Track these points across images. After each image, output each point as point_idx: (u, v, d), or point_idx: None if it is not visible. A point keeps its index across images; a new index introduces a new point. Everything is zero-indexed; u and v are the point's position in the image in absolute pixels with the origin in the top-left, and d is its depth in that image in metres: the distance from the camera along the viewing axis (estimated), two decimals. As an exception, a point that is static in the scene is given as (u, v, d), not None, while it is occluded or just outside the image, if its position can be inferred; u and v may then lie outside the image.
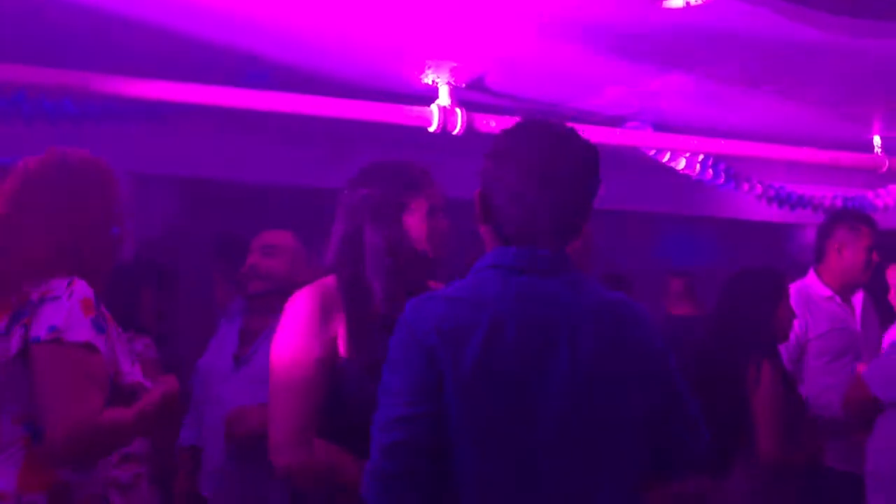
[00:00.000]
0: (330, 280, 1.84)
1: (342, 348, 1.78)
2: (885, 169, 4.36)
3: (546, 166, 1.51)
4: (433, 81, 3.42)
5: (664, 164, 4.14)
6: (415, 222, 1.86)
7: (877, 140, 4.32)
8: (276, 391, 1.76)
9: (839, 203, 4.77)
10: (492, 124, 3.57)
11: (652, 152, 4.10)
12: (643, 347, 1.49)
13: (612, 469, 1.43)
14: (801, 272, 3.49)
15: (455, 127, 3.46)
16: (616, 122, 3.96)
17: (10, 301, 1.71)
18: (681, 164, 4.15)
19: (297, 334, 1.77)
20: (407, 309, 1.47)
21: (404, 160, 1.94)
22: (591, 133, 3.76)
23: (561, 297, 1.47)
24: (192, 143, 3.88)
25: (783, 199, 4.59)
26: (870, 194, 4.88)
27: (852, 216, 3.53)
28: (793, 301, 2.92)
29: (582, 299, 1.48)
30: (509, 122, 3.55)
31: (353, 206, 1.86)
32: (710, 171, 4.20)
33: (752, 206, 4.75)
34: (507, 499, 1.38)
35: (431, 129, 3.46)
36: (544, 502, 1.39)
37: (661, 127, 4.02)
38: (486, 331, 1.40)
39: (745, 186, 4.43)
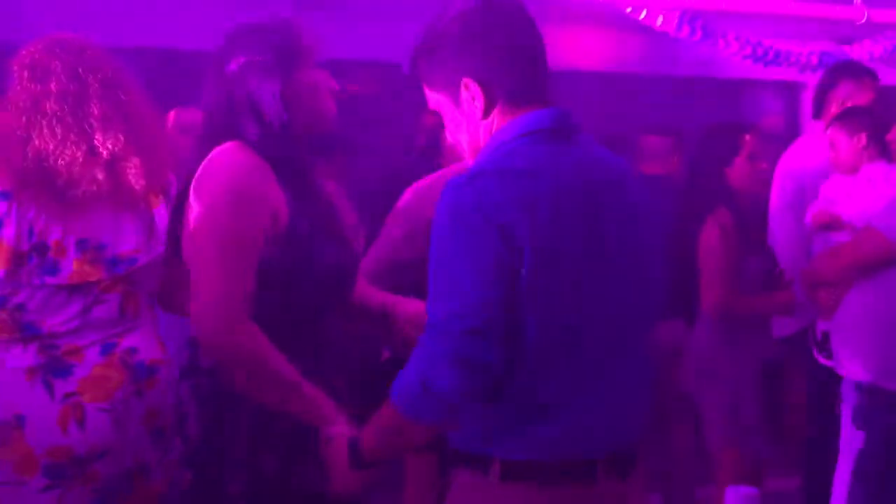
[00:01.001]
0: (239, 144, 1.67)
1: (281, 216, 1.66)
2: (863, 20, 4.29)
3: (530, 22, 1.50)
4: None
5: (641, 21, 4.04)
6: (306, 89, 1.72)
7: (856, -9, 4.23)
8: (210, 248, 1.58)
9: (815, 59, 4.71)
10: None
11: (628, 9, 3.99)
12: (651, 206, 1.56)
13: (649, 320, 1.55)
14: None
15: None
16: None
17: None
18: (658, 21, 4.06)
19: (245, 190, 1.60)
20: (455, 190, 1.37)
21: (278, 21, 1.76)
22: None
23: (600, 159, 1.50)
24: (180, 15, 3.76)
25: (760, 56, 4.52)
26: (846, 48, 4.82)
27: (856, 68, 3.45)
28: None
29: (611, 159, 1.52)
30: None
31: (235, 73, 1.69)
32: (687, 27, 4.11)
33: (729, 63, 4.68)
34: (581, 365, 1.41)
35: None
36: (615, 361, 1.44)
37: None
38: (551, 199, 1.37)
39: (722, 43, 4.35)
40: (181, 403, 1.76)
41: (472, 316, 1.31)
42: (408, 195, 2.43)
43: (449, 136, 1.61)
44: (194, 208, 1.62)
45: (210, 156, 1.64)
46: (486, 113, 1.47)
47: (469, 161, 1.54)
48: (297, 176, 1.70)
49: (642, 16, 4.04)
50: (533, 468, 1.39)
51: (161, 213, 1.85)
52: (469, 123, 1.50)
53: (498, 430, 1.40)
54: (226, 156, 1.63)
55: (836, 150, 3.09)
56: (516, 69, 1.47)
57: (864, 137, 3.05)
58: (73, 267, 1.76)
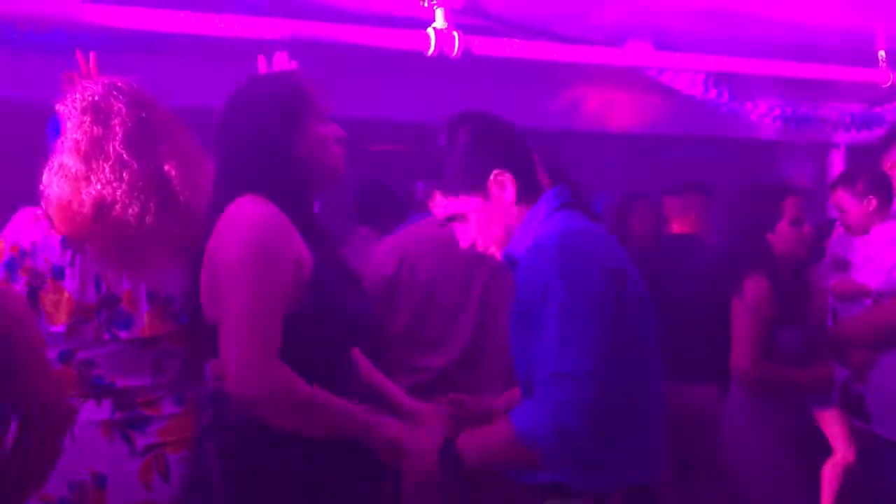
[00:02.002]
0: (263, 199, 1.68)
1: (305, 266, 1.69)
2: (889, 83, 4.29)
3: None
4: (429, 4, 3.35)
5: (666, 84, 4.08)
6: (316, 141, 1.73)
7: (881, 54, 4.24)
8: (239, 304, 1.57)
9: (847, 119, 4.71)
10: (489, 47, 3.52)
11: (654, 72, 4.03)
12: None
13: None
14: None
15: (452, 50, 3.41)
16: (616, 41, 3.88)
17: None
18: (683, 83, 4.09)
19: (270, 243, 1.60)
20: (569, 244, 1.57)
21: (286, 74, 1.81)
22: (591, 54, 3.72)
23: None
24: (186, 72, 3.83)
25: (788, 117, 4.54)
26: (875, 110, 4.82)
27: None
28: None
29: None
30: (507, 45, 3.54)
31: (246, 126, 1.69)
32: (714, 89, 4.14)
33: (755, 124, 4.69)
34: (646, 403, 1.63)
35: (429, 52, 3.40)
36: (657, 403, 1.67)
37: (662, 45, 3.95)
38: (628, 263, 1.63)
39: (749, 105, 4.37)
40: (203, 461, 1.68)
41: (602, 366, 1.49)
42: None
43: (476, 234, 1.72)
44: (220, 266, 1.60)
45: (228, 212, 1.63)
46: (520, 196, 1.67)
47: (500, 247, 1.71)
48: (312, 224, 1.72)
49: (667, 78, 4.08)
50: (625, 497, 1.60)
51: None
52: (502, 211, 1.68)
53: (595, 465, 1.57)
54: (245, 210, 1.62)
55: (845, 214, 3.10)
56: (526, 155, 1.72)
57: (873, 201, 3.06)
58: (145, 320, 1.73)
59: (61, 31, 3.13)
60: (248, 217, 1.61)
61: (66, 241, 1.71)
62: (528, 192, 1.69)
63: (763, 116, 4.51)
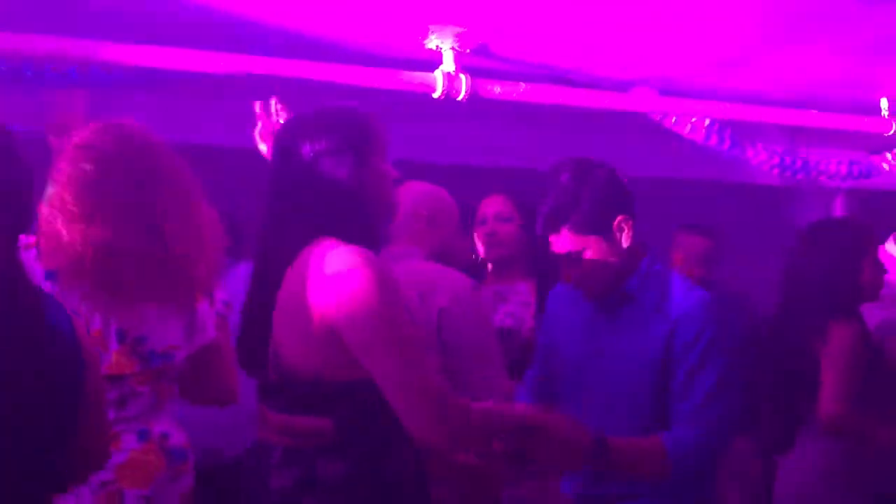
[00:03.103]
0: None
1: None
2: (890, 131, 4.33)
3: None
4: (437, 47, 3.39)
5: (670, 129, 4.11)
6: (380, 177, 1.72)
7: (884, 103, 4.29)
8: (398, 356, 1.54)
9: (844, 169, 4.75)
10: (496, 90, 3.55)
11: (658, 117, 4.07)
12: None
13: None
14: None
15: (459, 93, 3.44)
16: (622, 87, 3.92)
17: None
18: (686, 128, 4.12)
19: (384, 279, 1.57)
20: (720, 310, 1.91)
21: (347, 108, 1.77)
22: (597, 99, 3.76)
23: None
24: (193, 109, 3.85)
25: (789, 165, 4.57)
26: (876, 159, 4.85)
27: None
28: None
29: None
30: (515, 88, 3.57)
31: (310, 160, 1.64)
32: (716, 136, 4.17)
33: (757, 170, 4.72)
34: None
35: (436, 95, 3.43)
36: None
37: (667, 91, 3.99)
38: None
39: (751, 152, 4.40)
40: None
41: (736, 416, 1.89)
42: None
43: (597, 268, 1.91)
44: (355, 320, 1.52)
45: (319, 259, 1.55)
46: (630, 240, 1.92)
47: (606, 288, 1.95)
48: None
49: (672, 122, 4.11)
50: None
51: (203, 308, 1.86)
52: (616, 254, 1.90)
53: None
54: (350, 256, 1.55)
55: None
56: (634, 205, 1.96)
57: None
58: (112, 359, 1.74)
59: (73, 68, 3.16)
60: (359, 263, 1.54)
61: (49, 274, 1.71)
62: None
63: (763, 164, 4.53)
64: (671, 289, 1.93)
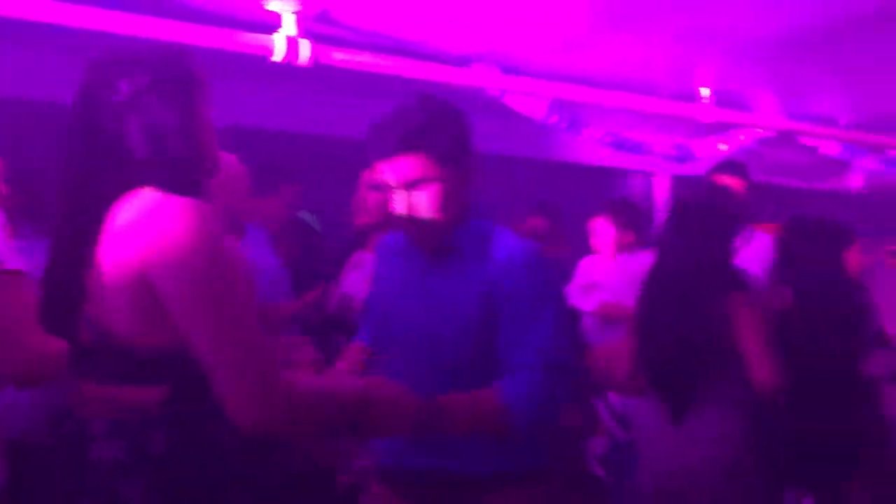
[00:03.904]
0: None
1: None
2: (710, 119, 4.61)
3: None
4: (277, 10, 3.29)
5: (511, 107, 4.20)
6: (207, 125, 1.55)
7: (705, 91, 4.56)
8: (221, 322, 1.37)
9: (668, 152, 5.03)
10: (338, 57, 3.49)
11: (499, 94, 4.14)
12: None
13: None
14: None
15: (301, 58, 3.36)
16: (463, 62, 3.96)
17: None
18: (526, 107, 4.22)
19: (216, 245, 1.40)
20: (539, 255, 1.86)
21: (168, 45, 1.59)
22: (437, 72, 3.77)
23: None
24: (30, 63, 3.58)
25: (620, 145, 4.78)
26: (693, 143, 5.17)
27: (734, 165, 3.74)
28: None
29: None
30: (357, 56, 3.53)
31: (127, 103, 1.45)
32: (556, 115, 4.30)
33: (588, 150, 4.91)
34: None
35: (275, 58, 3.33)
36: None
37: (508, 69, 4.06)
38: None
39: (586, 131, 4.57)
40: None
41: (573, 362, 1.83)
42: None
43: (434, 203, 1.82)
44: (165, 268, 1.36)
45: (143, 207, 1.39)
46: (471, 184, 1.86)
47: (438, 226, 1.83)
48: None
49: (511, 101, 4.19)
50: None
51: None
52: (458, 193, 1.84)
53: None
54: (169, 201, 1.38)
55: (601, 239, 3.27)
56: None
57: (631, 233, 3.33)
58: None
59: None
60: (185, 211, 1.36)
61: None
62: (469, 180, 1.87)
63: (597, 143, 4.72)
64: (497, 241, 1.86)
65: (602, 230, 3.43)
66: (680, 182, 5.46)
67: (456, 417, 1.65)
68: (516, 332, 1.79)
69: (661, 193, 5.54)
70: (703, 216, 2.70)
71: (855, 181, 6.04)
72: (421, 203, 1.81)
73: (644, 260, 3.32)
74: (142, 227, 1.37)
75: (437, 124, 1.80)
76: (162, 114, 1.43)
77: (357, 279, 3.73)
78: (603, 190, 5.58)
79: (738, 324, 2.55)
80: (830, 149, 5.45)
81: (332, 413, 1.50)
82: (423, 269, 1.92)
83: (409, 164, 1.79)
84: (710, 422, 2.56)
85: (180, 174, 1.44)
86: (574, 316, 3.31)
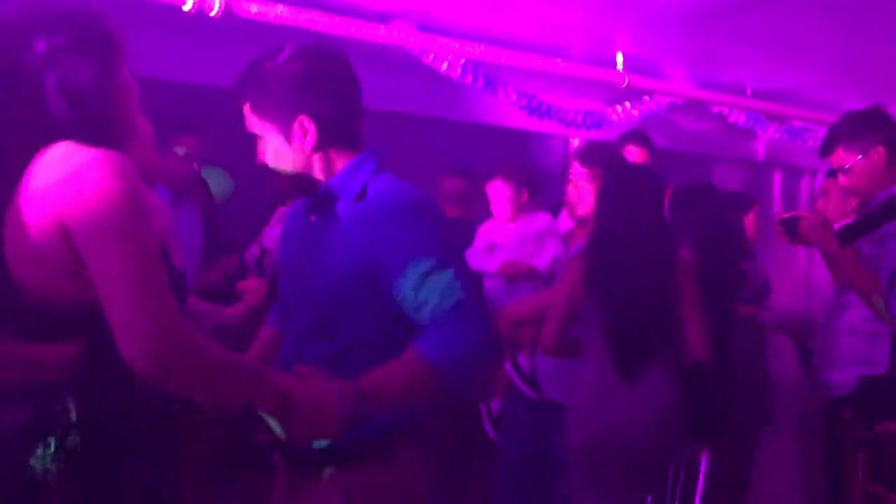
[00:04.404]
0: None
1: None
2: (623, 85, 4.69)
3: (354, 74, 1.80)
4: (189, -44, 3.18)
5: (428, 65, 4.17)
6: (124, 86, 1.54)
7: (619, 57, 4.63)
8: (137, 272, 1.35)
9: (580, 117, 5.10)
10: (252, 9, 3.40)
11: (417, 53, 4.10)
12: None
13: None
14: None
15: (213, 9, 3.26)
16: (382, 18, 3.91)
17: None
18: (444, 66, 4.21)
19: (133, 192, 1.39)
20: (428, 207, 1.73)
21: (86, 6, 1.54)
22: (355, 28, 3.71)
23: None
24: None
25: (535, 109, 4.81)
26: (608, 110, 5.25)
27: (637, 135, 3.85)
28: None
29: None
30: (272, 9, 3.44)
31: (43, 58, 1.43)
32: (471, 74, 4.29)
33: (505, 112, 4.93)
34: None
35: (186, 8, 3.23)
36: None
37: (424, 28, 4.03)
38: None
39: (501, 93, 4.58)
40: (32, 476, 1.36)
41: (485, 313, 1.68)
42: None
43: (268, 160, 1.74)
44: (80, 225, 1.35)
45: (58, 157, 1.38)
46: (317, 149, 1.70)
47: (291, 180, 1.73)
48: None
49: (430, 59, 4.17)
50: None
51: None
52: (296, 154, 1.70)
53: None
54: (87, 151, 1.38)
55: (495, 200, 3.40)
56: (348, 113, 1.72)
57: (525, 193, 3.43)
58: None
59: None
60: (103, 160, 1.36)
61: None
62: (334, 148, 1.73)
63: (513, 105, 4.74)
64: (373, 188, 1.71)
65: (497, 192, 3.45)
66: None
67: (383, 397, 1.55)
68: (411, 284, 1.62)
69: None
70: (641, 182, 2.81)
71: (759, 149, 6.25)
72: (265, 154, 1.76)
73: (541, 219, 3.42)
74: (59, 177, 1.37)
75: (261, 73, 1.69)
76: (79, 73, 1.43)
77: (277, 233, 3.70)
78: (521, 153, 5.62)
79: (681, 289, 2.71)
80: (737, 117, 5.62)
81: (230, 383, 1.43)
82: (304, 226, 1.83)
83: (246, 113, 1.75)
84: (654, 380, 2.69)
85: (97, 134, 1.44)
86: (478, 279, 3.34)
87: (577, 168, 3.08)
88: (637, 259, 2.71)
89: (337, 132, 1.72)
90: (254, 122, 1.73)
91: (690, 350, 2.71)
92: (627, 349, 2.68)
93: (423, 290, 1.62)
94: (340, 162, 1.75)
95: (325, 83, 1.69)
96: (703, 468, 2.09)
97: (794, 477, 3.38)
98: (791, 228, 2.79)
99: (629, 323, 2.69)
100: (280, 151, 1.72)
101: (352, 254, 1.68)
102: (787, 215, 2.86)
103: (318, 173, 1.75)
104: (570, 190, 3.10)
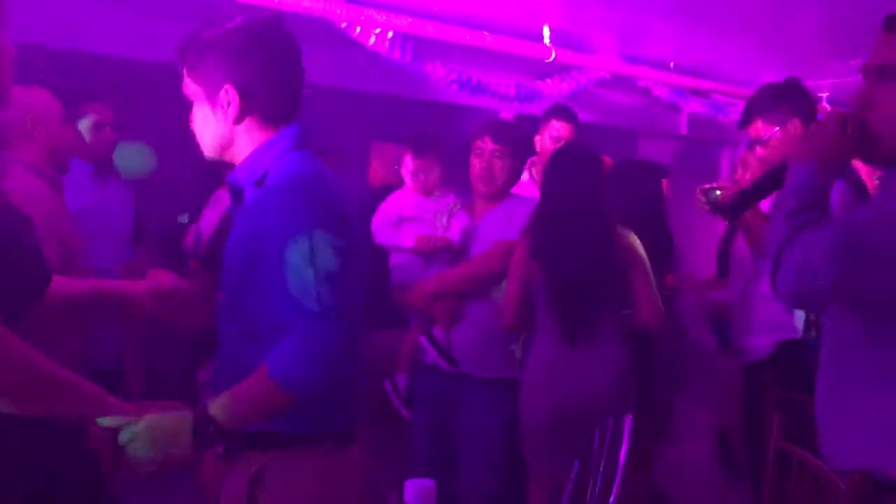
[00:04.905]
0: None
1: None
2: (551, 58, 4.73)
3: (297, 51, 1.74)
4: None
5: (354, 38, 4.13)
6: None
7: (546, 31, 4.66)
8: None
9: (512, 91, 5.12)
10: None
11: (343, 25, 4.06)
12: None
13: None
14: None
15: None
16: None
17: None
18: (371, 40, 4.17)
19: None
20: (305, 193, 1.59)
21: None
22: (285, 1, 3.66)
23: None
24: None
25: (464, 83, 4.82)
26: (539, 84, 5.29)
27: (563, 109, 3.84)
28: None
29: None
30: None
31: None
32: (398, 49, 4.27)
33: (436, 86, 4.92)
34: None
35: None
36: None
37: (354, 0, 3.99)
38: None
39: (429, 67, 4.57)
40: None
41: (349, 304, 1.57)
42: None
43: (192, 125, 1.73)
44: None
45: None
46: (238, 120, 1.66)
47: (208, 151, 1.73)
48: None
49: (356, 32, 4.13)
50: (349, 436, 1.70)
51: None
52: (218, 124, 1.67)
53: (330, 411, 1.66)
54: None
55: (404, 172, 3.36)
56: (277, 90, 1.68)
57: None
58: None
59: None
60: None
61: None
62: (258, 121, 1.68)
63: (441, 80, 4.74)
64: (279, 172, 1.65)
65: (406, 164, 3.40)
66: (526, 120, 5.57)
67: (235, 416, 1.50)
68: (276, 280, 1.56)
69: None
70: (580, 157, 2.96)
71: (682, 123, 6.39)
72: (193, 121, 1.73)
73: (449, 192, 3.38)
74: None
75: (202, 38, 1.66)
76: None
77: (212, 217, 3.63)
78: (452, 127, 5.62)
79: (628, 259, 2.84)
80: (661, 92, 5.73)
81: (61, 401, 1.40)
82: (232, 212, 1.81)
83: (183, 75, 1.72)
84: (604, 348, 2.84)
85: None
86: (382, 253, 3.27)
87: (489, 143, 3.09)
88: (581, 232, 2.84)
89: (261, 107, 1.67)
90: (188, 86, 1.71)
91: (639, 316, 2.87)
92: (574, 318, 2.81)
93: (293, 282, 1.55)
94: (261, 139, 1.69)
95: (260, 56, 1.65)
96: (626, 432, 2.16)
97: (706, 443, 3.51)
98: (711, 198, 2.88)
99: (575, 293, 2.82)
100: (205, 119, 1.69)
101: (243, 239, 1.65)
102: (706, 186, 2.94)
103: (239, 149, 1.70)
104: (479, 163, 3.10)
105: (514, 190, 3.23)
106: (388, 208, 3.28)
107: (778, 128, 2.86)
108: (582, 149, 3.03)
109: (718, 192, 2.86)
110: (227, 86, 1.65)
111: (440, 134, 3.55)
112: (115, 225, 3.40)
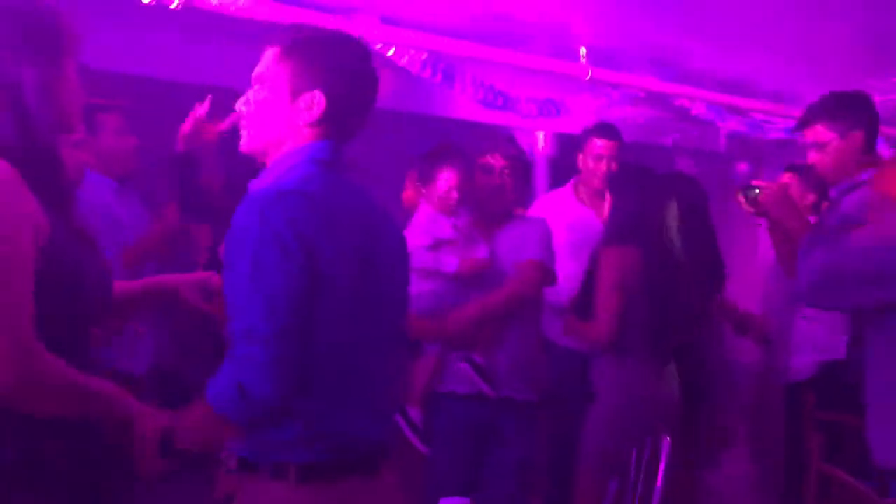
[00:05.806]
0: None
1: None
2: (587, 77, 4.72)
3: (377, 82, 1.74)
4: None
5: (389, 58, 4.16)
6: (69, 83, 1.51)
7: (583, 50, 4.65)
8: None
9: (543, 107, 5.10)
10: (213, 2, 3.37)
11: (379, 46, 4.09)
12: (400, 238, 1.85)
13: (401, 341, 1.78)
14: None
15: (173, 1, 3.23)
16: (344, 11, 3.90)
17: None
18: (403, 59, 4.20)
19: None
20: (264, 206, 1.49)
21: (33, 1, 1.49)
22: (317, 20, 3.69)
23: (365, 191, 1.71)
24: None
25: (490, 101, 4.80)
26: (567, 100, 5.26)
27: (605, 127, 3.85)
28: None
29: (368, 192, 1.72)
30: (233, 1, 3.41)
31: None
32: (430, 68, 4.29)
33: (466, 105, 4.93)
34: (358, 377, 1.59)
35: (146, 0, 3.20)
36: (381, 371, 1.66)
37: (389, 20, 4.02)
38: (344, 227, 1.56)
39: (459, 86, 4.57)
40: None
41: (285, 327, 1.46)
42: None
43: (247, 109, 1.67)
44: None
45: None
46: (312, 125, 1.63)
47: (252, 142, 1.67)
48: (50, 180, 1.48)
49: (390, 53, 4.16)
50: (324, 468, 1.54)
51: None
52: (288, 119, 1.63)
53: (291, 439, 1.53)
54: None
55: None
56: (356, 112, 1.69)
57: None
58: None
59: None
60: None
61: None
62: (325, 131, 1.65)
63: (470, 99, 4.74)
64: (285, 175, 1.60)
65: (443, 179, 3.25)
66: (560, 139, 5.54)
67: (194, 436, 1.49)
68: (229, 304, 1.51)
69: (545, 149, 5.60)
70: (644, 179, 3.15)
71: (720, 142, 6.33)
72: (248, 102, 1.71)
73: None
74: None
75: (310, 36, 1.68)
76: (16, 71, 1.40)
77: None
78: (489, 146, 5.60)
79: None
80: (698, 109, 5.68)
81: (79, 409, 1.44)
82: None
83: (266, 55, 1.71)
84: (670, 367, 3.02)
85: (26, 142, 1.41)
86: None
87: (499, 160, 3.05)
88: (692, 273, 3.04)
89: (335, 123, 1.65)
90: (268, 68, 1.66)
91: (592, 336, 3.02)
92: (668, 342, 2.98)
93: (228, 295, 1.51)
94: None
95: (356, 79, 1.68)
96: (664, 452, 2.13)
97: (746, 463, 3.47)
98: (751, 197, 2.76)
99: (674, 318, 2.97)
100: (272, 109, 1.64)
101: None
102: (745, 185, 2.83)
103: (281, 150, 1.66)
104: (489, 180, 3.04)
105: (550, 205, 3.21)
106: (419, 231, 3.05)
107: (838, 136, 2.69)
108: (642, 167, 3.19)
109: (758, 191, 2.75)
110: (317, 90, 1.62)
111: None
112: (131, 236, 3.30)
